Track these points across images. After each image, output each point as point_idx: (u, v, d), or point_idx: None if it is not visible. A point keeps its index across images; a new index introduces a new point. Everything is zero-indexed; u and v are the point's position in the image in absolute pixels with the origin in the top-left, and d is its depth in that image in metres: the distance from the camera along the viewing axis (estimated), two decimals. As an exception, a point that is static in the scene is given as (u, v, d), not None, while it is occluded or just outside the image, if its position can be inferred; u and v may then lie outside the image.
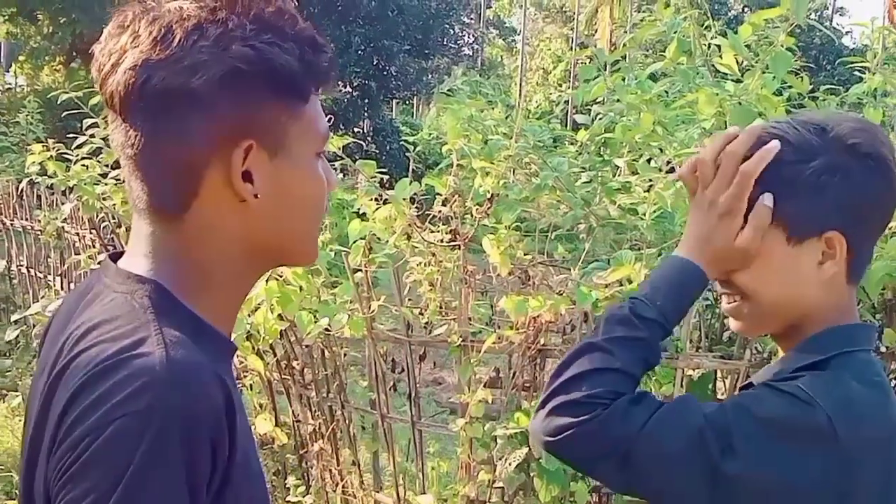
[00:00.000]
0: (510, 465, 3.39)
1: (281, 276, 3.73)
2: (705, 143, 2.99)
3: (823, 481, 1.40)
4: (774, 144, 1.48)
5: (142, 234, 1.25)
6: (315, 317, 3.83)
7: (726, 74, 3.31)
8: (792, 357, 1.56)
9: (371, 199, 3.85)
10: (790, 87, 3.42)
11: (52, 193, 6.99)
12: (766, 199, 1.49)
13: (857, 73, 3.93)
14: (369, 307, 3.92)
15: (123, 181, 4.24)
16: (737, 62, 3.23)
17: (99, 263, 5.62)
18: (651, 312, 1.53)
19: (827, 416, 1.39)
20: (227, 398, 1.13)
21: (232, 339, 1.32)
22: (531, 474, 3.41)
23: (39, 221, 7.09)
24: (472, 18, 37.26)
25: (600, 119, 4.07)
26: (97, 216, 5.77)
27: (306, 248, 1.34)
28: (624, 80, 3.67)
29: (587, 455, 1.50)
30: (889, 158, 1.52)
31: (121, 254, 1.30)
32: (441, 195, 3.88)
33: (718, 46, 3.32)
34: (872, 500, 1.45)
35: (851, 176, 1.49)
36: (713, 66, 3.40)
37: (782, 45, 3.10)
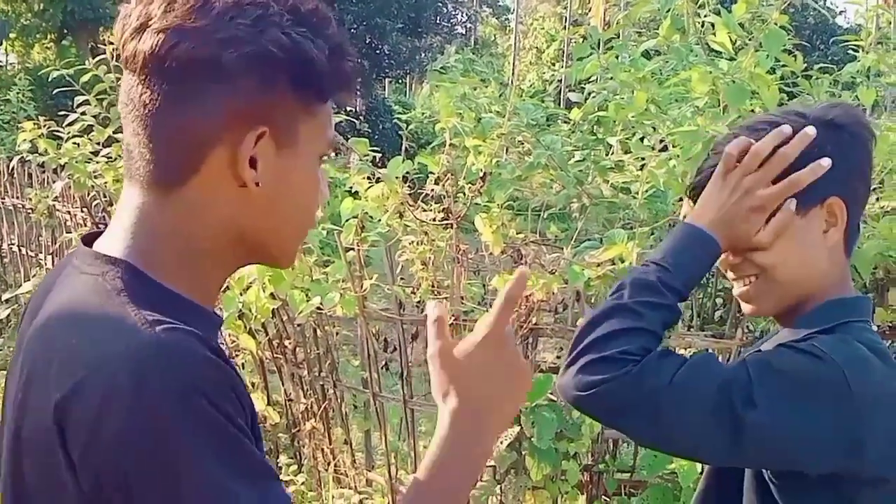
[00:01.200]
0: (501, 443, 3.39)
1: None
2: (698, 122, 2.98)
3: (836, 431, 1.48)
4: (827, 162, 1.57)
5: (130, 205, 1.23)
6: (307, 295, 3.83)
7: (720, 52, 3.30)
8: (797, 325, 1.63)
9: (363, 178, 3.84)
10: (784, 65, 3.40)
11: (44, 171, 6.96)
12: (791, 205, 1.59)
13: (850, 52, 3.92)
14: (361, 286, 3.91)
15: (115, 158, 4.21)
16: (730, 40, 3.21)
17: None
18: (676, 281, 1.59)
19: (841, 370, 1.47)
20: (224, 359, 1.11)
21: (216, 313, 1.30)
22: (523, 453, 3.42)
23: (30, 200, 7.06)
24: (465, -3, 37.14)
25: (593, 97, 4.05)
26: (88, 194, 5.75)
27: (287, 250, 1.32)
28: (617, 57, 3.66)
29: (618, 407, 1.55)
30: (864, 129, 1.66)
31: (97, 235, 1.28)
32: (434, 174, 3.86)
33: (712, 24, 3.30)
34: (882, 451, 1.51)
35: (836, 147, 1.60)
36: (707, 44, 3.38)
37: (776, 24, 3.09)
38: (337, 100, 1.29)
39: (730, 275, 1.70)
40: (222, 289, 1.35)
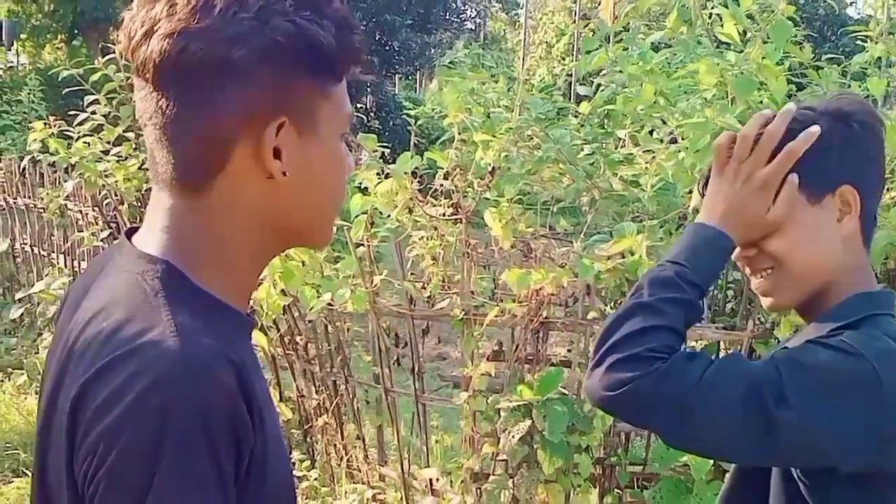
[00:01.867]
0: (513, 437, 3.40)
1: (284, 252, 3.73)
2: (706, 114, 2.98)
3: (867, 427, 1.47)
4: (816, 129, 1.58)
5: (161, 207, 1.23)
6: (318, 292, 3.83)
7: (729, 44, 3.29)
8: (822, 321, 1.63)
9: (373, 174, 3.84)
10: (792, 56, 3.40)
11: (55, 171, 6.97)
12: (794, 178, 1.59)
13: (860, 42, 3.91)
14: (372, 282, 3.91)
15: (126, 157, 4.23)
16: (738, 32, 3.21)
17: (104, 240, 5.61)
18: (695, 276, 1.60)
19: (872, 365, 1.46)
20: (240, 379, 1.11)
21: (250, 315, 1.31)
22: (535, 447, 3.42)
23: (42, 199, 7.08)
24: (474, -8, 37.11)
25: (602, 91, 4.05)
26: (99, 193, 5.78)
27: (324, 229, 1.33)
28: (625, 50, 3.65)
29: (648, 406, 1.54)
30: (872, 118, 1.67)
31: (137, 229, 1.29)
32: (443, 169, 3.87)
33: (720, 16, 3.29)
34: None
35: (847, 136, 1.62)
36: (714, 35, 3.38)
37: (783, 14, 3.08)
38: (351, 75, 1.28)
39: (746, 270, 1.70)
40: (258, 279, 1.35)
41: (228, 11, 1.15)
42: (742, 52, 3.11)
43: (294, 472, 4.47)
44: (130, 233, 1.28)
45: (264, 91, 1.17)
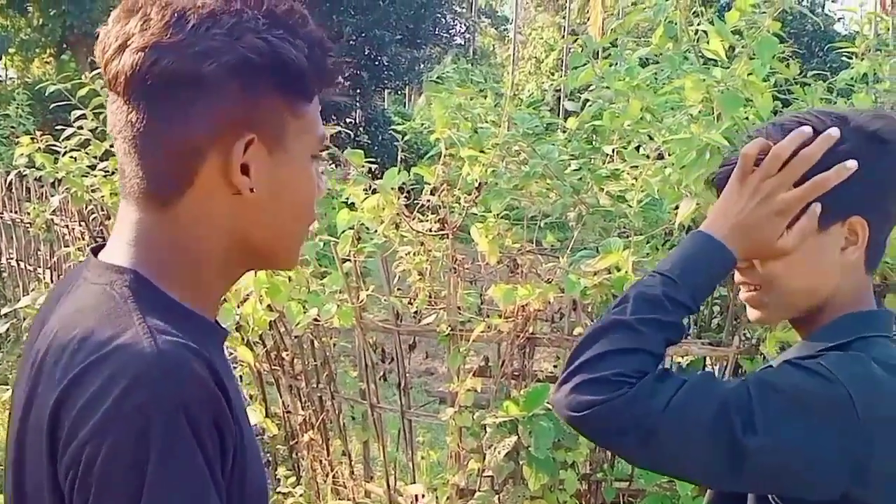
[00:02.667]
0: (499, 453, 3.39)
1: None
2: (692, 130, 2.98)
3: (840, 455, 1.41)
4: (853, 164, 1.48)
5: (128, 220, 1.24)
6: (304, 307, 3.82)
7: (715, 60, 3.30)
8: (811, 343, 1.57)
9: (360, 189, 3.83)
10: (778, 72, 3.40)
11: (41, 186, 6.96)
12: (817, 209, 1.51)
13: (847, 59, 3.92)
14: (358, 297, 3.91)
15: (113, 172, 4.24)
16: (725, 48, 3.22)
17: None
18: (683, 295, 1.53)
19: (847, 391, 1.40)
20: (218, 381, 1.12)
21: (221, 325, 1.31)
22: (520, 462, 3.41)
23: (29, 214, 7.06)
24: (463, 7, 37.15)
25: (590, 106, 4.06)
26: (86, 208, 5.76)
27: (290, 251, 1.33)
28: (612, 66, 3.66)
29: (611, 431, 1.49)
30: None
31: (103, 246, 1.29)
32: (430, 184, 3.86)
33: (706, 32, 3.30)
34: (886, 479, 1.44)
35: (874, 162, 1.51)
36: (700, 52, 3.38)
37: (768, 31, 3.09)
38: (322, 96, 1.29)
39: (736, 277, 1.64)
40: (222, 298, 1.35)
41: (201, 27, 1.16)
42: (728, 68, 3.12)
43: (279, 488, 4.46)
44: (96, 250, 1.29)
45: (234, 106, 1.18)
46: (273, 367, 4.50)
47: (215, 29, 1.16)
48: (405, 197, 3.86)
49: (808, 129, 1.51)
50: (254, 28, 1.17)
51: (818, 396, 1.42)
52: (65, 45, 24.33)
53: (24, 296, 6.93)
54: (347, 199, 3.92)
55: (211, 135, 1.18)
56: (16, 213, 7.76)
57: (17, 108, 11.90)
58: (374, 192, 3.76)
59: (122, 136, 1.21)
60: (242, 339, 4.12)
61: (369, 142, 23.36)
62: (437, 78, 5.27)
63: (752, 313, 1.65)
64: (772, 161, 1.51)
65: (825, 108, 1.60)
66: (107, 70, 1.20)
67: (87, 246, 5.93)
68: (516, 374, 3.73)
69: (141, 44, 1.16)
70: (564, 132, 4.61)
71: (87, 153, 5.23)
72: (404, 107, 29.91)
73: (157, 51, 1.15)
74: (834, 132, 1.50)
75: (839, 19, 22.56)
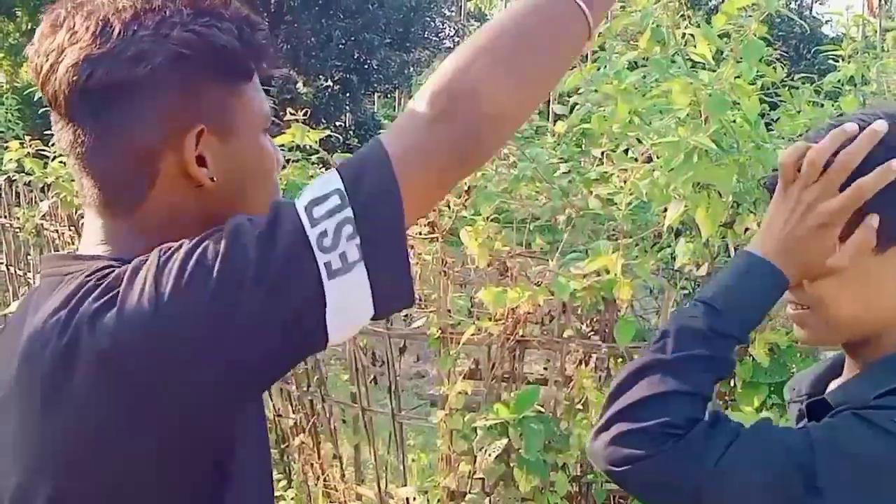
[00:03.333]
0: (490, 455, 3.39)
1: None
2: (680, 133, 2.99)
3: None
4: (894, 165, 1.29)
5: (95, 228, 1.25)
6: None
7: (702, 64, 3.31)
8: (871, 376, 1.38)
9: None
10: (766, 76, 3.42)
11: (31, 191, 6.95)
12: (874, 220, 1.33)
13: (834, 61, 3.95)
14: (348, 300, 3.90)
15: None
16: (712, 51, 3.23)
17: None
18: (731, 328, 1.36)
19: None
20: None
21: None
22: (511, 465, 3.41)
23: (18, 219, 7.04)
24: (453, 11, 37.13)
25: (578, 109, 4.07)
26: (75, 213, 5.75)
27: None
28: (600, 69, 3.67)
29: (654, 489, 1.35)
30: None
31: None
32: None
33: (693, 36, 3.32)
34: None
35: None
36: (688, 55, 3.40)
37: (755, 34, 3.10)
38: (260, 72, 1.29)
39: (786, 295, 1.44)
40: None
41: (128, 31, 1.16)
42: (715, 71, 3.13)
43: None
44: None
45: (177, 103, 1.19)
46: (263, 371, 4.50)
47: (141, 31, 1.16)
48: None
49: (851, 127, 1.33)
50: (179, 21, 1.18)
51: (891, 461, 1.25)
52: (54, 50, 24.25)
53: (13, 301, 6.92)
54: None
55: (160, 135, 1.19)
56: (5, 217, 7.73)
57: (6, 112, 11.86)
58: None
59: (74, 154, 1.21)
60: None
61: (359, 145, 23.23)
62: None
63: (798, 333, 1.47)
64: (808, 167, 1.34)
65: (889, 110, 1.40)
66: (44, 90, 1.20)
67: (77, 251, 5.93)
68: (506, 376, 3.73)
69: (72, 59, 1.16)
70: (553, 135, 4.62)
71: (76, 158, 5.23)
72: (394, 110, 29.88)
73: (89, 64, 1.15)
74: (880, 126, 1.31)
75: (827, 22, 22.59)
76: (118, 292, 1.09)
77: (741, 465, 1.28)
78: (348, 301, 1.11)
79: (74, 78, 1.16)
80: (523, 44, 1.20)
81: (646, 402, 1.32)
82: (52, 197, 5.69)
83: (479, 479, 3.60)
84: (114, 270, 1.14)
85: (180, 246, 1.11)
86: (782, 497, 1.26)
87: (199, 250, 1.09)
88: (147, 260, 1.11)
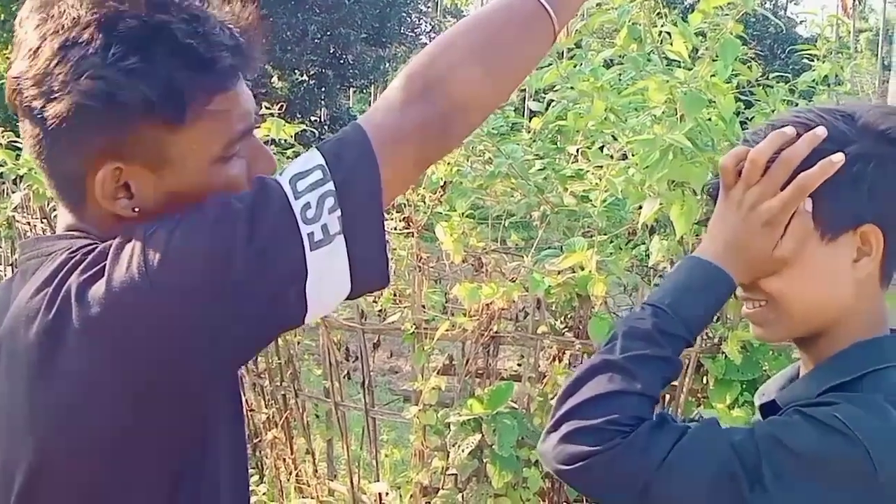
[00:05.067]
0: (463, 451, 3.39)
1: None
2: (656, 131, 3.00)
3: None
4: (839, 158, 1.33)
5: (63, 212, 1.27)
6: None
7: (678, 62, 3.32)
8: (818, 374, 1.43)
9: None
10: (741, 74, 3.43)
11: (2, 182, 6.90)
12: (808, 205, 1.35)
13: (808, 61, 3.96)
14: (322, 295, 3.90)
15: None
16: (688, 49, 3.24)
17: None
18: (677, 327, 1.38)
19: (865, 449, 1.25)
20: None
21: None
22: (484, 460, 3.42)
23: (-10, 211, 7.00)
24: (429, 7, 37.09)
25: (554, 106, 4.07)
26: (48, 205, 5.71)
27: None
28: (576, 67, 3.67)
29: (603, 486, 1.35)
30: None
31: None
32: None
33: (669, 34, 3.33)
34: None
35: (885, 164, 1.37)
36: (664, 53, 3.41)
37: (731, 33, 3.12)
38: (231, 87, 1.24)
39: (738, 292, 1.46)
40: None
41: (51, 62, 1.14)
42: (691, 69, 3.14)
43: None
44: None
45: (89, 140, 1.16)
46: (236, 365, 4.49)
47: (60, 66, 1.14)
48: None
49: (790, 130, 1.36)
50: (95, 63, 1.13)
51: (834, 458, 1.27)
52: (26, 41, 24.09)
53: (-16, 293, 6.86)
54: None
55: (78, 162, 1.18)
56: (-24, 209, 7.69)
57: (-22, 104, 11.77)
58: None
59: (29, 147, 1.23)
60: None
61: (335, 140, 23.26)
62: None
63: (755, 330, 1.49)
64: (750, 168, 1.37)
65: (829, 107, 1.44)
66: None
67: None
68: (480, 372, 3.74)
69: (14, 71, 1.18)
70: (529, 132, 4.62)
71: (49, 150, 5.19)
72: (369, 105, 29.84)
73: (17, 82, 1.17)
74: (820, 131, 1.35)
75: (801, 22, 22.77)
76: (105, 265, 1.09)
77: (687, 461, 1.30)
78: (328, 273, 1.13)
79: (9, 88, 1.18)
80: (491, 39, 1.27)
81: (593, 401, 1.34)
82: (24, 189, 5.65)
83: (452, 474, 3.60)
84: (97, 245, 1.15)
85: (167, 220, 1.11)
86: (728, 492, 1.28)
87: (186, 221, 1.10)
88: (133, 231, 1.11)
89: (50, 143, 1.18)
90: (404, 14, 29.61)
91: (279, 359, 4.35)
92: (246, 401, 4.55)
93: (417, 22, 33.53)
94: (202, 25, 1.19)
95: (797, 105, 3.79)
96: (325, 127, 24.11)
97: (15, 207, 6.46)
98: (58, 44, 1.14)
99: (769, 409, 1.48)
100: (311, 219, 1.11)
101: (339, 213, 1.12)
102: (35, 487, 1.14)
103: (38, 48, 1.15)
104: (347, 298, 1.18)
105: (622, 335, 1.38)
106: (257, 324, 1.12)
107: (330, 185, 1.12)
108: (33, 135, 1.19)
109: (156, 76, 1.15)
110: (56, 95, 1.14)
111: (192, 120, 1.19)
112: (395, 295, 3.89)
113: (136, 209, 1.19)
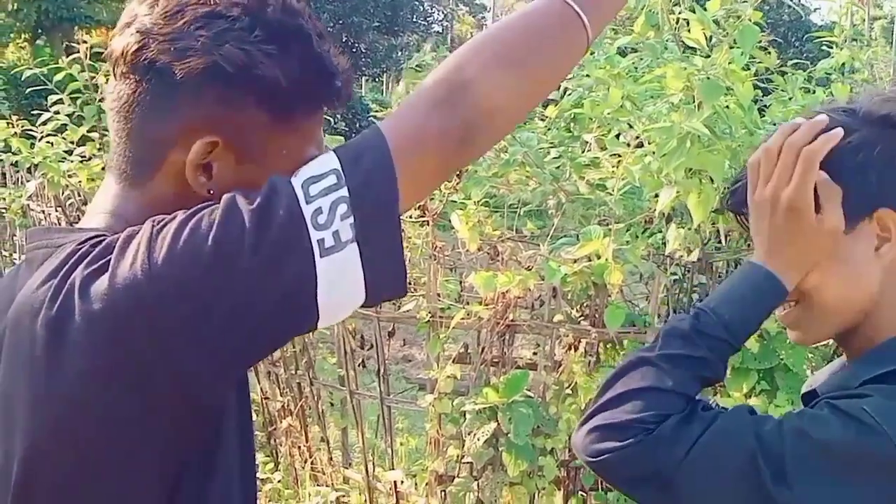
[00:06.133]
0: (479, 440, 3.40)
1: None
2: (673, 119, 2.99)
3: None
4: (838, 131, 1.36)
5: (108, 191, 1.26)
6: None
7: (696, 49, 3.31)
8: (856, 367, 1.42)
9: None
10: (758, 62, 3.41)
11: (17, 171, 6.92)
12: (822, 175, 1.36)
13: (824, 48, 3.95)
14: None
15: (90, 158, 4.21)
16: (705, 37, 3.22)
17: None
18: (716, 329, 1.38)
19: (894, 444, 1.23)
20: None
21: None
22: (500, 449, 3.42)
23: (4, 199, 7.01)
24: (441, -5, 37.07)
25: (569, 94, 4.06)
26: (62, 193, 5.73)
27: None
28: (592, 54, 3.66)
29: (627, 480, 1.39)
30: None
31: None
32: (409, 171, 3.85)
33: (686, 21, 3.31)
34: None
35: (889, 147, 1.39)
36: (682, 41, 3.39)
37: (749, 20, 3.10)
38: (323, 112, 1.28)
39: None
40: None
41: (193, 24, 1.17)
42: (709, 56, 3.13)
43: (257, 474, 4.45)
44: None
45: (200, 106, 1.18)
46: (251, 354, 4.49)
47: (203, 30, 1.16)
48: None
49: (797, 121, 1.40)
50: (239, 37, 1.17)
51: (861, 451, 1.26)
52: (40, 31, 24.17)
53: (-1, 281, 6.89)
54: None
55: (176, 128, 1.19)
56: (-9, 198, 7.71)
57: (-7, 92, 11.82)
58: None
59: (113, 110, 1.23)
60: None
61: (347, 129, 23.28)
62: (416, 66, 5.26)
63: (792, 334, 1.51)
64: (765, 161, 1.40)
65: (830, 105, 1.48)
66: (111, 44, 1.22)
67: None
68: (496, 360, 3.73)
69: (138, 27, 1.18)
70: (544, 120, 4.60)
71: (63, 138, 5.21)
72: (382, 94, 29.84)
73: (146, 37, 1.17)
74: (821, 118, 1.39)
75: (815, 9, 22.66)
76: (110, 259, 1.09)
77: (711, 454, 1.30)
78: (339, 280, 1.11)
79: (130, 44, 1.18)
80: (523, 46, 1.24)
81: (623, 396, 1.36)
82: (39, 177, 5.66)
83: (468, 462, 3.60)
84: (105, 238, 1.14)
85: (175, 216, 1.10)
86: (751, 484, 1.27)
87: (193, 220, 1.09)
88: (140, 229, 1.11)
89: (151, 101, 1.19)
90: (417, 3, 29.64)
91: (294, 347, 4.35)
92: (261, 389, 4.57)
93: (430, 11, 33.53)
94: (327, 44, 1.25)
95: (814, 93, 3.77)
96: (338, 116, 24.11)
97: (30, 196, 6.48)
98: (202, 12, 1.17)
99: (810, 398, 1.48)
100: (323, 224, 1.09)
101: (351, 220, 1.09)
102: (34, 479, 1.14)
103: (178, 11, 1.17)
104: (364, 306, 1.15)
105: (663, 335, 1.41)
106: (263, 328, 1.11)
107: (343, 191, 1.10)
108: (132, 92, 1.19)
109: (290, 67, 1.19)
110: (192, 54, 1.16)
111: (297, 123, 1.23)
112: (410, 283, 3.88)
113: (211, 191, 1.19)
